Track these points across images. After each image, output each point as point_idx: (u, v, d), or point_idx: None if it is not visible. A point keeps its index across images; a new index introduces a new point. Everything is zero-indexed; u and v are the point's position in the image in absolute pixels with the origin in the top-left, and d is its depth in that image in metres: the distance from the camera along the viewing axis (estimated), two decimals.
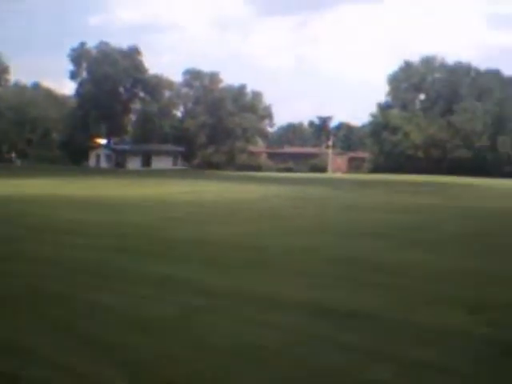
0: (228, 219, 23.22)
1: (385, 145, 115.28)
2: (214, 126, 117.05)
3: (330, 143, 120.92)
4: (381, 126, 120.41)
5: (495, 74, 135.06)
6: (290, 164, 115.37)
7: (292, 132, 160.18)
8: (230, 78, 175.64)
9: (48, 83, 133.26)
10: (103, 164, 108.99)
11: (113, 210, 26.39)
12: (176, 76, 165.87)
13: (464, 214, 28.21)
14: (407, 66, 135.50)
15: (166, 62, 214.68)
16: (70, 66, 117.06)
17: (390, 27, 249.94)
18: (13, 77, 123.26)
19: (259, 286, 10.92)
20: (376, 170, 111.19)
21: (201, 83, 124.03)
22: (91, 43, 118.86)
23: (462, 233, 20.21)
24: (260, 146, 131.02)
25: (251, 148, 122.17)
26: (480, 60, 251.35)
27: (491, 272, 12.72)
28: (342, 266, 13.03)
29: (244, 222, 22.01)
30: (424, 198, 40.62)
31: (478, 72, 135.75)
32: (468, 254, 15.22)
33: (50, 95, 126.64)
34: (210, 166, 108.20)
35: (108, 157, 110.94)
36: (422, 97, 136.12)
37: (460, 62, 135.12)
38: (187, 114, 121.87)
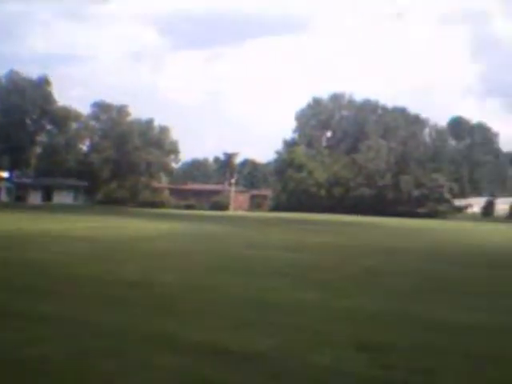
0: (119, 256, 22.52)
1: (288, 182, 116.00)
2: (118, 161, 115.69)
3: (234, 180, 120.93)
4: (285, 163, 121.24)
5: (402, 112, 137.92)
6: (193, 201, 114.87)
7: (197, 168, 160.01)
8: (139, 111, 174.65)
9: None
10: (3, 197, 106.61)
11: None
12: (86, 108, 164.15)
13: (362, 252, 28.39)
14: (315, 103, 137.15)
15: (76, 93, 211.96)
16: None
17: (300, 63, 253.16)
18: None
19: (148, 325, 10.56)
20: (278, 208, 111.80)
21: (109, 116, 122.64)
22: (0, 71, 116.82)
23: (359, 272, 20.23)
24: (164, 181, 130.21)
25: (155, 184, 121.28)
26: (388, 98, 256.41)
27: (384, 312, 12.65)
28: (238, 306, 12.84)
29: (141, 259, 21.50)
30: (323, 236, 40.74)
31: (385, 109, 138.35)
32: (364, 294, 15.18)
33: None
34: (112, 202, 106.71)
35: (9, 190, 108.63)
36: (329, 134, 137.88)
37: (368, 100, 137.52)
38: (93, 147, 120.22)
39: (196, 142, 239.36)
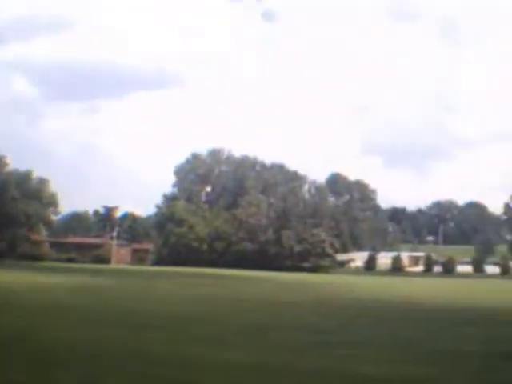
0: None
1: (169, 237, 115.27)
2: None
3: (115, 234, 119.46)
4: (166, 217, 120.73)
5: (280, 169, 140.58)
6: (73, 254, 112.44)
7: (77, 221, 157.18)
8: (17, 162, 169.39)
9: None
10: None
11: None
12: None
13: (247, 306, 28.53)
14: (194, 158, 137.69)
15: None
16: None
17: (178, 118, 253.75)
18: None
19: None
20: (160, 262, 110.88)
21: None
22: None
23: (244, 326, 20.05)
24: (44, 234, 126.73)
25: (34, 236, 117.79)
26: (267, 154, 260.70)
27: (270, 366, 12.48)
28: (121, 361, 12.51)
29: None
30: (204, 290, 40.71)
31: (263, 166, 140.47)
32: (249, 347, 15.03)
33: None
34: None
35: None
36: (209, 189, 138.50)
37: (246, 156, 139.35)
38: None
39: (75, 195, 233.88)
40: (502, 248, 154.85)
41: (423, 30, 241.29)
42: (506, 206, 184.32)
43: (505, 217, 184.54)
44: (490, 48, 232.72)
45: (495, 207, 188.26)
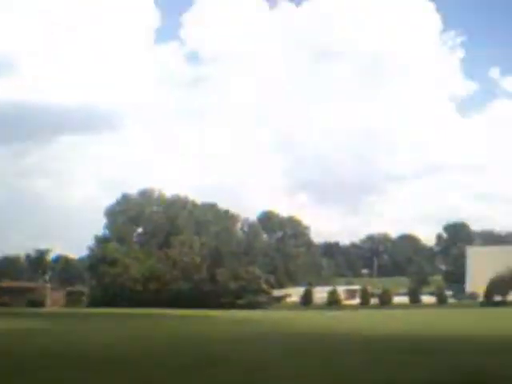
0: None
1: (103, 278, 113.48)
2: None
3: (47, 277, 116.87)
4: (98, 259, 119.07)
5: (212, 207, 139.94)
6: (6, 299, 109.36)
7: (8, 265, 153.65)
8: None
9: None
10: None
11: None
12: None
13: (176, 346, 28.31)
14: (125, 199, 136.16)
15: None
16: None
17: (110, 159, 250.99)
18: None
19: None
20: (94, 303, 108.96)
21: None
22: None
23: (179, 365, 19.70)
24: None
25: None
26: (198, 194, 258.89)
27: None
28: None
29: None
30: (138, 330, 40.32)
31: (195, 205, 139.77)
32: None
33: None
34: None
35: None
36: (140, 229, 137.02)
37: (177, 196, 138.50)
38: None
39: (6, 239, 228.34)
40: (437, 278, 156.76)
41: (350, 67, 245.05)
42: (439, 237, 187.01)
43: (438, 247, 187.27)
44: (415, 84, 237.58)
45: (428, 239, 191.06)
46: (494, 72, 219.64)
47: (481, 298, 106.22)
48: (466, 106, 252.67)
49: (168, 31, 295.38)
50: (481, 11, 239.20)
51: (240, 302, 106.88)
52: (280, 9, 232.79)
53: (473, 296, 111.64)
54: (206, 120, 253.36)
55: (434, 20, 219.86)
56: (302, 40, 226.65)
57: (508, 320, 52.05)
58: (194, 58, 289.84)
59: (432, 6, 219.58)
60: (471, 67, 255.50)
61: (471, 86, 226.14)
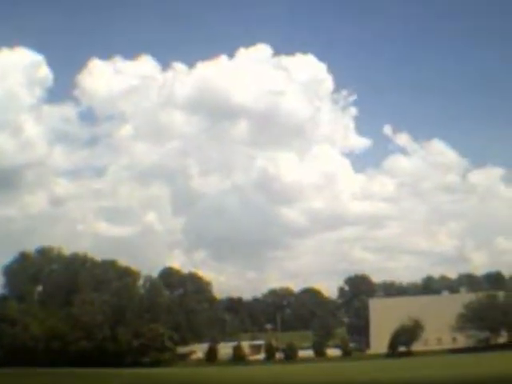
0: None
1: (3, 338, 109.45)
2: None
3: None
4: None
5: (112, 265, 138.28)
6: None
7: None
8: None
9: None
10: None
11: None
12: None
13: None
14: (23, 257, 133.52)
15: None
16: None
17: (3, 219, 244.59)
18: None
19: None
20: None
21: None
22: None
23: None
24: None
25: None
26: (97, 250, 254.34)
27: None
28: None
29: None
30: None
31: (94, 262, 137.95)
32: None
33: None
34: None
35: None
36: (40, 288, 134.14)
37: (76, 253, 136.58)
38: None
39: None
40: (341, 330, 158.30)
41: (246, 126, 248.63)
42: (341, 289, 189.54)
43: (340, 300, 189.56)
44: (311, 142, 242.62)
45: (330, 292, 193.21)
46: (387, 129, 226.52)
47: (385, 349, 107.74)
48: (361, 161, 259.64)
49: (61, 91, 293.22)
50: (371, 71, 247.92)
51: (143, 360, 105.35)
52: (173, 70, 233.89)
53: (376, 347, 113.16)
54: (103, 177, 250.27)
55: (326, 80, 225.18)
56: (198, 99, 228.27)
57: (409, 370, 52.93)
58: (89, 116, 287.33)
59: (324, 67, 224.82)
60: (364, 125, 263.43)
61: (365, 143, 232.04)
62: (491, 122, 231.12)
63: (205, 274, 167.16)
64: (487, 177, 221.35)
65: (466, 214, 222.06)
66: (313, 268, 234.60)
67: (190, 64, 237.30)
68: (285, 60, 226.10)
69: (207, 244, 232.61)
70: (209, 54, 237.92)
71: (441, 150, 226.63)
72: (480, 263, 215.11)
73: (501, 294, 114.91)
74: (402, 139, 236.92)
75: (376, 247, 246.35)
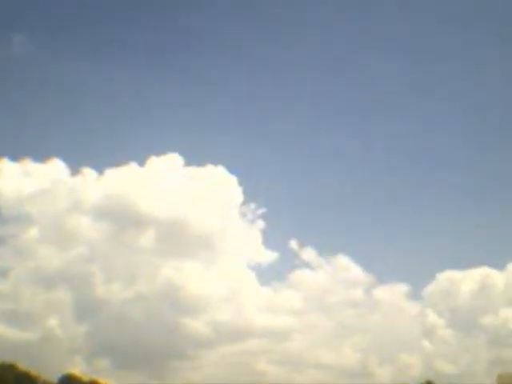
0: None
1: None
2: None
3: None
4: None
5: (11, 368, 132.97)
6: None
7: None
8: None
9: None
10: None
11: None
12: None
13: None
14: None
15: None
16: None
17: None
18: None
19: None
20: None
21: None
22: None
23: None
24: None
25: None
26: None
27: None
28: None
29: None
30: None
31: None
32: None
33: None
34: None
35: None
36: None
37: None
38: None
39: None
40: None
41: (153, 237, 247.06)
42: None
43: None
44: (217, 254, 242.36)
45: None
46: (293, 243, 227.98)
47: None
48: (268, 275, 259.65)
49: None
50: (279, 185, 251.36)
51: None
52: (83, 175, 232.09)
53: None
54: (5, 278, 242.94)
55: (236, 193, 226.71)
56: (105, 206, 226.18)
57: None
58: None
59: (234, 180, 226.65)
60: (271, 238, 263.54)
61: (271, 257, 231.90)
62: (396, 237, 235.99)
63: (106, 382, 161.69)
64: (391, 293, 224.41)
65: (370, 328, 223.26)
66: (216, 379, 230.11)
67: (100, 170, 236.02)
68: (195, 171, 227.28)
69: (110, 352, 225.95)
70: (119, 160, 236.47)
71: (346, 265, 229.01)
72: (383, 378, 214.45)
73: None
74: (308, 253, 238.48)
75: (280, 360, 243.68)
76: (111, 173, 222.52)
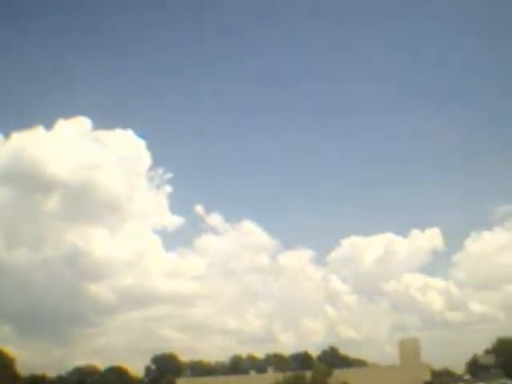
0: None
1: None
2: None
3: None
4: None
5: None
6: None
7: None
8: None
9: None
10: None
11: None
12: None
13: None
14: None
15: None
16: None
17: None
18: None
19: None
20: None
21: None
22: None
23: None
24: None
25: None
26: None
27: None
28: None
29: None
30: None
31: None
32: None
33: None
34: None
35: None
36: None
37: None
38: None
39: None
40: None
41: (59, 200, 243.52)
42: (147, 368, 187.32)
43: (147, 379, 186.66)
44: (124, 218, 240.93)
45: (137, 370, 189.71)
46: (199, 208, 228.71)
47: None
48: (174, 239, 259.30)
49: None
50: (188, 149, 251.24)
51: None
52: None
53: None
54: None
55: (144, 157, 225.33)
56: (10, 170, 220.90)
57: None
58: None
59: (143, 144, 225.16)
60: (178, 203, 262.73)
61: (178, 221, 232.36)
62: (302, 203, 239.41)
63: (9, 350, 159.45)
64: (296, 258, 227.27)
65: (275, 294, 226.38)
66: (120, 346, 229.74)
67: (7, 133, 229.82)
68: (104, 134, 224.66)
69: (12, 319, 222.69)
70: (26, 124, 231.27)
71: (251, 231, 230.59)
72: (287, 343, 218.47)
73: (308, 374, 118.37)
74: (214, 219, 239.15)
75: (185, 326, 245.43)
76: (18, 136, 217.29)
